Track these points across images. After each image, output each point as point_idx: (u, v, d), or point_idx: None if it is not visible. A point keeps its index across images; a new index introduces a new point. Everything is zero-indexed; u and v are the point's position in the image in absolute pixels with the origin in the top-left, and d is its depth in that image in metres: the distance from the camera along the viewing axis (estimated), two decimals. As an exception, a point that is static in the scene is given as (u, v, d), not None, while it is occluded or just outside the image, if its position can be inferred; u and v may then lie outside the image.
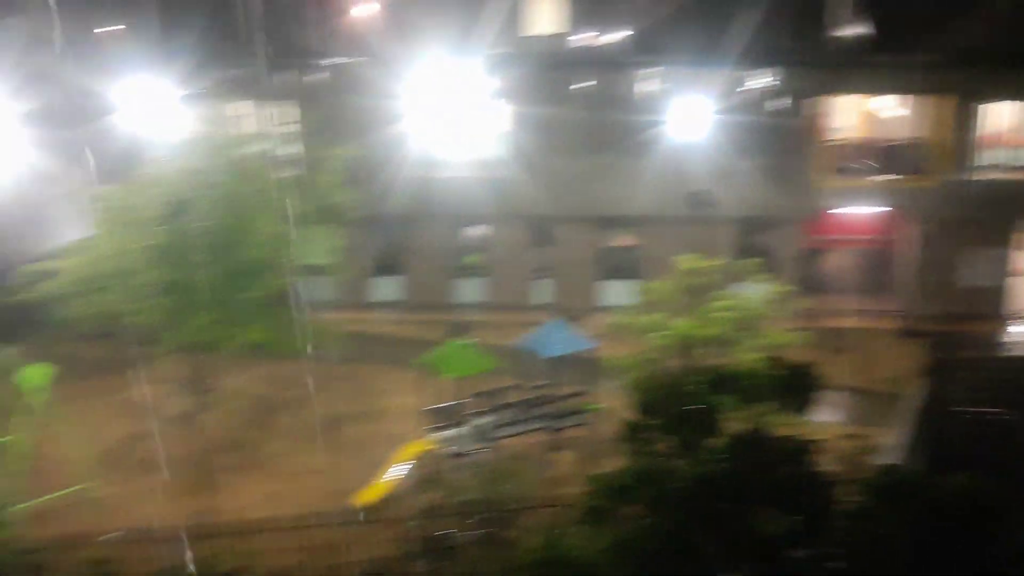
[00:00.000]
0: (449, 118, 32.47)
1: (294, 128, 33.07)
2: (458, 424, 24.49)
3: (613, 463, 13.66)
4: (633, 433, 13.42)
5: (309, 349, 25.49)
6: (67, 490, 22.24)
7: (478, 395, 25.43)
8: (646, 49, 33.74)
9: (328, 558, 19.16)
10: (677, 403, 13.22)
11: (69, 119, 32.23)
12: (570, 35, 35.72)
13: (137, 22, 35.17)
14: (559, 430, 25.01)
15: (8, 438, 21.95)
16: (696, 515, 12.17)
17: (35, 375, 21.50)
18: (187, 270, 22.67)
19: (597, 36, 36.49)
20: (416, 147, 32.91)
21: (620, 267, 34.30)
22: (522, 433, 24.76)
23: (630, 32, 35.46)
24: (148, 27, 34.26)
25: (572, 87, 33.97)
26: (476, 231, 35.01)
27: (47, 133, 30.68)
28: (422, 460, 23.36)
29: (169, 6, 34.44)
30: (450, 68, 31.52)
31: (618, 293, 33.01)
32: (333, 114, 32.59)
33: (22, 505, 20.32)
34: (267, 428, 26.88)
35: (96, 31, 36.40)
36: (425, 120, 32.51)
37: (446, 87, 31.47)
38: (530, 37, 35.17)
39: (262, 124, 32.84)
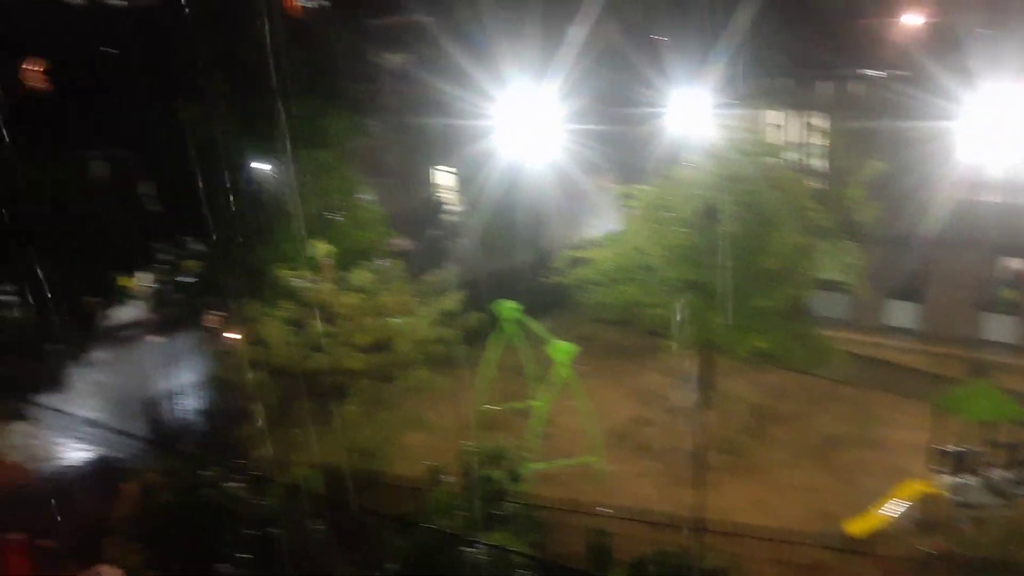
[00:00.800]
0: (1004, 134, 29.23)
1: (823, 139, 32.49)
2: (970, 472, 22.34)
3: None
4: None
5: (815, 365, 25.03)
6: (574, 459, 24.35)
7: (996, 444, 22.97)
8: None
9: (811, 581, 18.76)
10: None
11: (609, 119, 34.93)
12: None
13: (681, 32, 36.88)
14: (1095, 501, 21.72)
15: (533, 402, 24.65)
16: None
17: (562, 351, 23.77)
18: (707, 272, 23.40)
19: None
20: (958, 166, 30.42)
21: None
22: (1049, 496, 21.91)
23: None
24: (691, 37, 35.76)
25: None
26: (1017, 263, 31.57)
27: (589, 130, 33.56)
28: (923, 502, 21.74)
29: (711, 18, 35.64)
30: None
31: None
32: (865, 127, 31.39)
33: (535, 465, 22.69)
34: (761, 436, 26.89)
35: (649, 39, 38.94)
36: (972, 136, 29.84)
37: (997, 99, 28.49)
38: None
39: (793, 134, 32.73)
